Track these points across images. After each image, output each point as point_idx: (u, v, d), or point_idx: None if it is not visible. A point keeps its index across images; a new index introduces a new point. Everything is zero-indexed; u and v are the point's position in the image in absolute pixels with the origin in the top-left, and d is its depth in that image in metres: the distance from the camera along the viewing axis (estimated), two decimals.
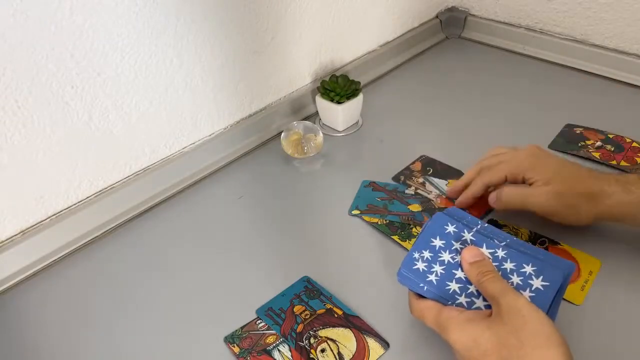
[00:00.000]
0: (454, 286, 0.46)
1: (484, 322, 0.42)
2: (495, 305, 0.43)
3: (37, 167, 0.60)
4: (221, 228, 0.67)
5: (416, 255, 0.49)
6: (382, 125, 0.84)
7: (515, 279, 0.45)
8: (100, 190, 0.68)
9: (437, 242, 0.49)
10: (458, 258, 0.47)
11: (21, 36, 0.53)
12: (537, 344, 0.40)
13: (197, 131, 0.75)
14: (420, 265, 0.48)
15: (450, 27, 1.08)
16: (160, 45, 0.64)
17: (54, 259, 0.64)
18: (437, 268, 0.48)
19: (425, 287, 0.47)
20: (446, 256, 0.48)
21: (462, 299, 0.46)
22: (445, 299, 0.46)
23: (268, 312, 0.55)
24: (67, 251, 0.65)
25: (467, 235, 0.49)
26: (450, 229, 0.50)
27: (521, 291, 0.44)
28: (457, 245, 0.48)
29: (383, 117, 0.86)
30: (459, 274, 0.47)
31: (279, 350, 0.52)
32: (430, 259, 0.49)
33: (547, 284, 0.44)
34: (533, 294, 0.44)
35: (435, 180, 0.70)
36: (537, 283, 0.44)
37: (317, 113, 0.85)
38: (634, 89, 0.87)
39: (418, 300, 0.48)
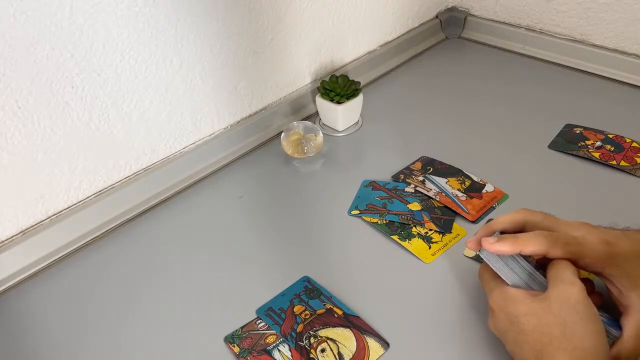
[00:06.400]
0: (541, 275, 0.47)
1: (537, 305, 0.43)
2: (550, 288, 0.43)
3: (37, 167, 0.60)
4: (221, 228, 0.67)
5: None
6: (382, 125, 0.84)
7: None
8: (100, 190, 0.68)
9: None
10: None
11: (21, 36, 0.53)
12: (580, 345, 0.40)
13: (197, 131, 0.75)
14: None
15: (450, 27, 1.08)
16: (160, 45, 0.64)
17: (54, 259, 0.64)
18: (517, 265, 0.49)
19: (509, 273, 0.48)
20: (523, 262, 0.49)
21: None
22: (535, 275, 0.47)
23: (268, 312, 0.55)
24: (67, 251, 0.65)
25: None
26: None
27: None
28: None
29: (383, 117, 0.86)
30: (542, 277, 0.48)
31: (279, 350, 0.52)
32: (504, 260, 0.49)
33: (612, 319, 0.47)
34: (605, 317, 0.46)
35: (435, 178, 0.70)
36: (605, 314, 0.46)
37: (317, 113, 0.85)
38: (634, 89, 0.87)
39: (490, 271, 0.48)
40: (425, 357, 0.51)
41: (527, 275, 0.47)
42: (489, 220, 0.64)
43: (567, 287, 0.43)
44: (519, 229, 0.49)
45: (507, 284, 0.47)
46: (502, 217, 0.50)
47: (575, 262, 0.46)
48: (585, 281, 0.48)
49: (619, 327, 0.45)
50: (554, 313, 0.41)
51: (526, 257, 0.48)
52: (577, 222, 0.48)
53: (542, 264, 0.49)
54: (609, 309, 0.47)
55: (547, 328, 0.41)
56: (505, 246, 0.46)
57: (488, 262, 0.48)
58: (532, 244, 0.45)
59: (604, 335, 0.42)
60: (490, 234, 0.49)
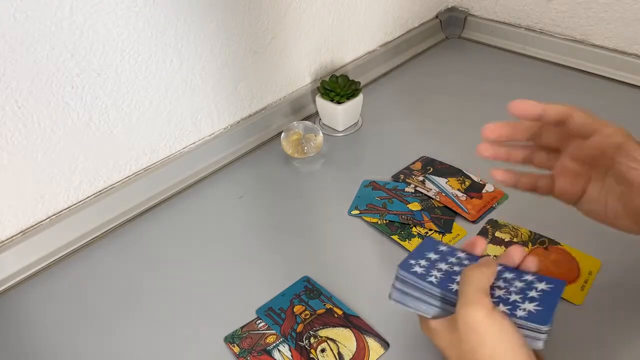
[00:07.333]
0: (455, 287, 0.45)
1: (451, 336, 0.42)
2: (456, 312, 0.41)
3: (37, 167, 0.60)
4: (221, 228, 0.67)
5: (413, 262, 0.47)
6: (382, 125, 0.84)
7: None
8: (100, 190, 0.68)
9: (432, 256, 0.48)
10: (456, 268, 0.46)
11: (21, 36, 0.53)
12: None
13: (197, 131, 0.75)
14: (419, 269, 0.46)
15: (450, 27, 1.08)
16: (160, 45, 0.64)
17: (54, 259, 0.64)
18: (435, 273, 0.46)
19: (426, 282, 0.45)
20: (443, 266, 0.46)
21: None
22: (448, 296, 0.44)
23: (268, 312, 0.55)
24: (67, 251, 0.65)
25: (461, 254, 0.47)
26: (443, 248, 0.49)
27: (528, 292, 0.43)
28: (452, 259, 0.47)
29: (383, 117, 0.86)
30: (459, 279, 0.45)
31: (279, 350, 0.52)
32: (427, 266, 0.46)
33: (551, 286, 0.43)
34: (540, 293, 0.42)
35: (435, 178, 0.70)
36: (542, 285, 0.43)
37: (317, 113, 0.85)
38: (634, 89, 0.87)
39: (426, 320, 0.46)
40: (425, 357, 0.51)
41: (442, 302, 0.44)
42: (489, 220, 0.64)
43: (465, 310, 0.40)
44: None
45: (428, 318, 0.45)
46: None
47: (594, 131, 0.43)
48: (513, 250, 0.45)
49: (549, 315, 0.42)
50: (463, 341, 0.40)
51: (444, 261, 0.47)
52: None
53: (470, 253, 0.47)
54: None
55: (464, 355, 0.40)
56: (532, 104, 0.45)
57: (401, 305, 0.46)
58: (557, 106, 0.44)
59: (517, 349, 0.39)
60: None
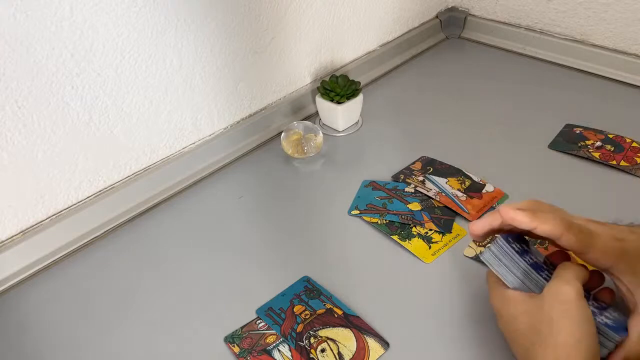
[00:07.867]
0: (545, 274, 0.46)
1: (528, 303, 0.43)
2: (546, 286, 0.43)
3: (37, 167, 0.60)
4: (221, 228, 0.67)
5: (511, 239, 0.48)
6: (382, 125, 0.84)
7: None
8: (101, 190, 0.68)
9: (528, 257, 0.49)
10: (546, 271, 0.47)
11: (21, 36, 0.53)
12: (564, 342, 0.40)
13: (197, 131, 0.75)
14: (516, 247, 0.48)
15: (450, 27, 1.08)
16: (160, 45, 0.64)
17: (54, 259, 0.64)
18: (528, 258, 0.48)
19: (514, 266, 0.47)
20: (536, 258, 0.48)
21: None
22: (535, 276, 0.46)
23: (268, 312, 0.55)
24: (67, 251, 0.65)
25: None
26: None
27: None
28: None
29: (383, 117, 0.86)
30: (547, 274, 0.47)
31: (279, 350, 0.52)
32: (521, 250, 0.48)
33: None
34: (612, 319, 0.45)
35: (435, 178, 0.70)
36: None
37: (317, 113, 0.85)
38: (634, 89, 0.87)
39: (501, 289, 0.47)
40: (425, 357, 0.51)
41: (527, 277, 0.47)
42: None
43: (561, 285, 0.43)
44: None
45: (507, 286, 0.47)
46: (511, 204, 0.48)
47: (582, 254, 0.45)
48: (595, 274, 0.47)
49: (621, 329, 0.44)
50: (544, 311, 0.42)
51: (533, 255, 0.49)
52: (585, 217, 0.47)
53: (551, 262, 0.49)
54: (623, 308, 0.46)
55: (538, 325, 0.42)
56: (524, 217, 0.44)
57: (489, 265, 0.48)
58: (549, 224, 0.44)
59: (593, 337, 0.41)
60: (498, 221, 0.48)
